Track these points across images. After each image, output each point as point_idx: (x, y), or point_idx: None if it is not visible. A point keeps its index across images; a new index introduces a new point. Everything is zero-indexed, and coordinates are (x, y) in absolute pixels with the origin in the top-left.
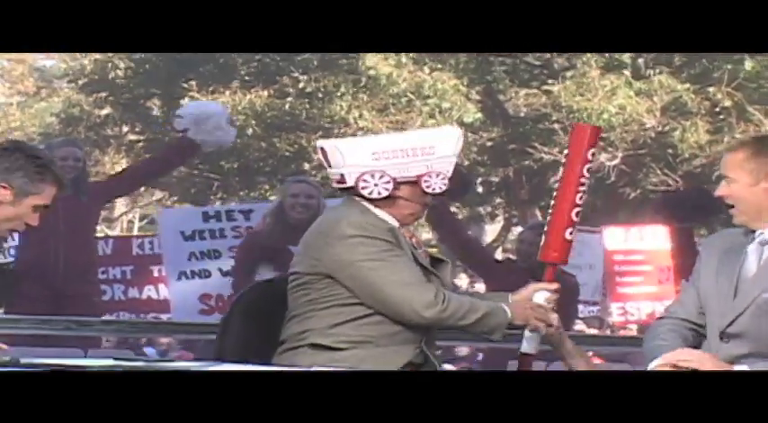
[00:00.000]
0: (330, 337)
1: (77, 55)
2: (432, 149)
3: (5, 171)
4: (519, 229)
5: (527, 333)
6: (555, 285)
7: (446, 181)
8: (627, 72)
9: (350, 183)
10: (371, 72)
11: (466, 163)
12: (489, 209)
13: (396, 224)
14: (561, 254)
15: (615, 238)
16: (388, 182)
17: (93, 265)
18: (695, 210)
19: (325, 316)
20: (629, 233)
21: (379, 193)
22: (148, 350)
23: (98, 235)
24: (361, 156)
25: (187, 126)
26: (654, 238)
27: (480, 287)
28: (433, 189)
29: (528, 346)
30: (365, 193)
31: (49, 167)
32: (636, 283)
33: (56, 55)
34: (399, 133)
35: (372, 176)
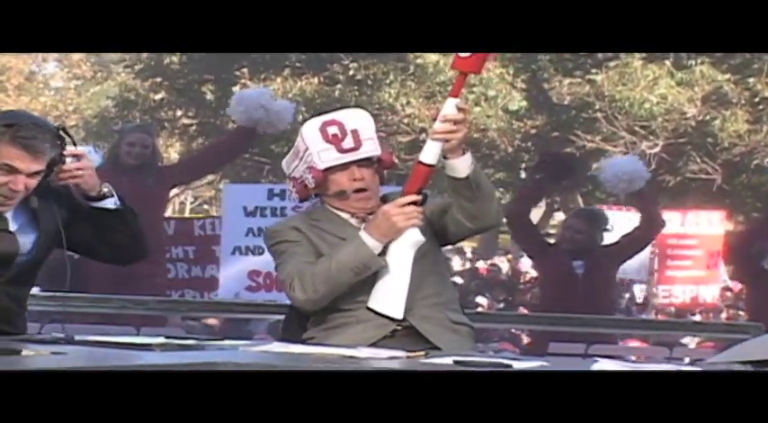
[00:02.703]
0: (312, 328)
1: None
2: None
3: None
4: (560, 214)
5: (428, 141)
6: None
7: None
8: (668, 62)
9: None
10: (419, 61)
11: (510, 149)
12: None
13: (346, 217)
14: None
15: (670, 221)
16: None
17: (161, 247)
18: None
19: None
20: (686, 217)
21: (298, 198)
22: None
23: (169, 216)
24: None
25: (240, 115)
26: (709, 224)
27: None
28: (325, 160)
29: (427, 155)
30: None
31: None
32: (685, 266)
33: None
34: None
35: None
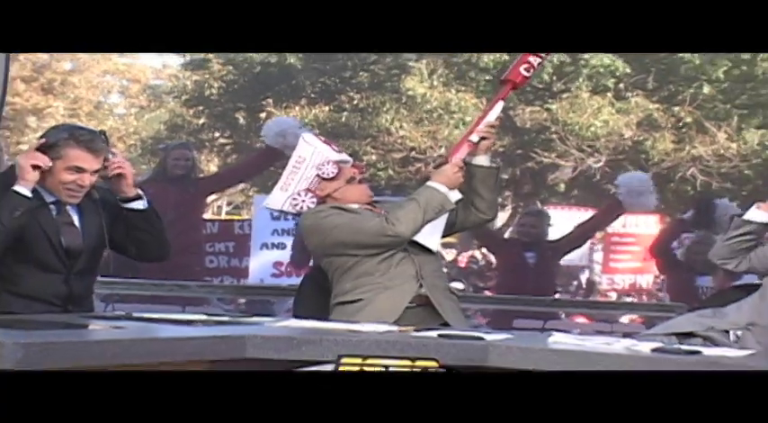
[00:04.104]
0: (349, 294)
1: (180, 75)
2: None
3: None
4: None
5: (474, 135)
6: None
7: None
8: (610, 94)
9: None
10: (410, 92)
11: None
12: (500, 200)
13: (353, 206)
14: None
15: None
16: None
17: (198, 241)
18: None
19: (343, 281)
20: (627, 220)
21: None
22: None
23: (207, 218)
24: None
25: (271, 139)
26: (645, 226)
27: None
28: (327, 174)
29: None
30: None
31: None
32: (625, 260)
33: (164, 75)
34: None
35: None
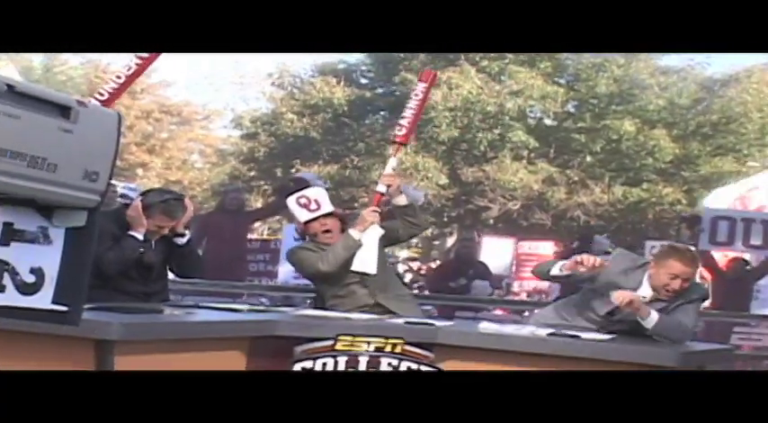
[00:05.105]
0: (328, 302)
1: (239, 143)
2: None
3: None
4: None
5: (380, 184)
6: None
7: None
8: (524, 160)
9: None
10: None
11: (438, 205)
12: (448, 229)
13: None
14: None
15: (524, 246)
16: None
17: (244, 255)
18: None
19: (325, 293)
20: (535, 244)
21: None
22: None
23: (252, 238)
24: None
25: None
26: (544, 249)
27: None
28: (299, 230)
29: (380, 188)
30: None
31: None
32: (529, 270)
33: (229, 142)
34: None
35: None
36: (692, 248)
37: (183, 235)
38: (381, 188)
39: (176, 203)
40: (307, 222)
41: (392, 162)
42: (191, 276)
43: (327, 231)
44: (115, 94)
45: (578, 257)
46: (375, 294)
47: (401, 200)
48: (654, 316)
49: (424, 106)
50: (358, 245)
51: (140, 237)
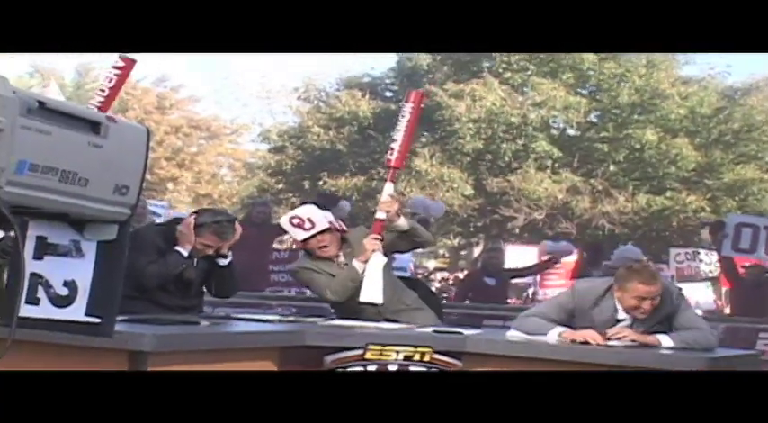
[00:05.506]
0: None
1: (267, 156)
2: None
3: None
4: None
5: (378, 211)
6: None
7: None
8: (549, 170)
9: None
10: (417, 168)
11: (465, 216)
12: (474, 239)
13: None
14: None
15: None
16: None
17: (266, 264)
18: None
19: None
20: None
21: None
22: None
23: (279, 248)
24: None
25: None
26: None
27: None
28: (299, 237)
29: (379, 215)
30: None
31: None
32: (553, 279)
33: (257, 155)
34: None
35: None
36: (648, 263)
37: (225, 256)
38: (380, 215)
39: (228, 226)
40: (304, 240)
41: (388, 188)
42: (226, 297)
43: (325, 247)
44: (102, 107)
45: (587, 337)
46: (383, 313)
47: (402, 224)
48: (664, 339)
49: (415, 127)
50: (362, 276)
51: (186, 253)
